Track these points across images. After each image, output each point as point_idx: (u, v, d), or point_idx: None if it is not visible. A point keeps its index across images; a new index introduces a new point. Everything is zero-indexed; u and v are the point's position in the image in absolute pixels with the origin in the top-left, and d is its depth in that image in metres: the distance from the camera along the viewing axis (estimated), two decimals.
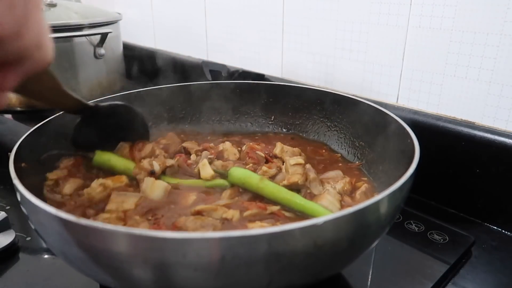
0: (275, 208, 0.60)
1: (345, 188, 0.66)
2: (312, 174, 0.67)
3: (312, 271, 0.44)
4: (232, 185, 0.67)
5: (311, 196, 0.64)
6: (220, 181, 0.68)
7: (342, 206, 0.62)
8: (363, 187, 0.67)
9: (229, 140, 0.81)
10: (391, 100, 0.88)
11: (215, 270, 0.39)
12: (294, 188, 0.64)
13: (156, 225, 0.56)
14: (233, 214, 0.58)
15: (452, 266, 0.62)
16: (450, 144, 0.76)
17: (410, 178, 0.49)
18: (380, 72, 0.88)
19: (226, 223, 0.57)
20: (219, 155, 0.76)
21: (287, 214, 0.60)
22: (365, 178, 0.72)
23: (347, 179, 0.68)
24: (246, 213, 0.59)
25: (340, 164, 0.78)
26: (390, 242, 0.68)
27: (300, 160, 0.69)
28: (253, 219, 0.58)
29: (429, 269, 0.61)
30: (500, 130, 0.72)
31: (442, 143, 0.77)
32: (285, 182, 0.65)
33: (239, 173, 0.67)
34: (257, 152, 0.76)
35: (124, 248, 0.39)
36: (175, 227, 0.54)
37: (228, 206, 0.60)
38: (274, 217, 0.59)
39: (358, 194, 0.65)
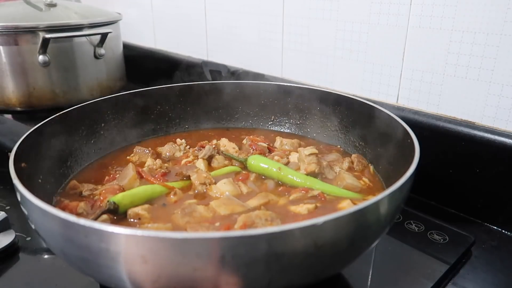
0: (316, 191, 0.63)
1: (350, 166, 0.73)
2: (324, 162, 0.71)
3: (312, 271, 0.44)
4: (241, 170, 0.72)
5: (327, 181, 0.68)
6: (233, 168, 0.73)
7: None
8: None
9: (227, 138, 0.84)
10: (391, 100, 0.88)
11: (215, 270, 0.39)
12: (311, 176, 0.68)
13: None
14: (277, 199, 0.62)
15: (452, 266, 0.62)
16: (450, 144, 0.76)
17: (410, 178, 0.49)
18: (380, 72, 0.88)
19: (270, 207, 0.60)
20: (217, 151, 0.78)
21: (327, 196, 0.63)
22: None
23: (348, 158, 0.74)
24: (291, 197, 0.62)
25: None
26: (390, 242, 0.68)
27: (314, 150, 0.71)
28: (297, 202, 0.61)
29: (429, 269, 0.61)
30: (500, 130, 0.72)
31: (442, 143, 0.77)
32: (303, 172, 0.69)
33: (259, 160, 0.71)
34: (260, 143, 0.81)
35: (124, 248, 0.39)
36: (246, 226, 0.53)
37: (274, 193, 0.64)
38: (316, 199, 0.62)
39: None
